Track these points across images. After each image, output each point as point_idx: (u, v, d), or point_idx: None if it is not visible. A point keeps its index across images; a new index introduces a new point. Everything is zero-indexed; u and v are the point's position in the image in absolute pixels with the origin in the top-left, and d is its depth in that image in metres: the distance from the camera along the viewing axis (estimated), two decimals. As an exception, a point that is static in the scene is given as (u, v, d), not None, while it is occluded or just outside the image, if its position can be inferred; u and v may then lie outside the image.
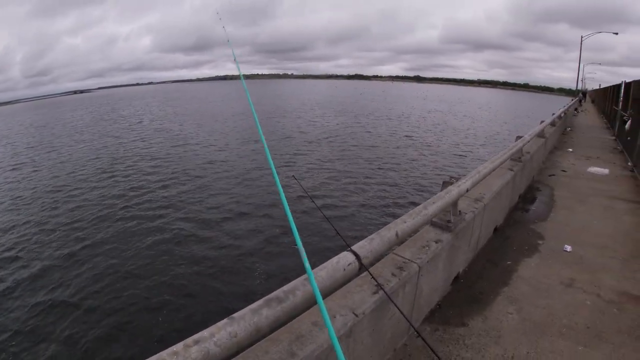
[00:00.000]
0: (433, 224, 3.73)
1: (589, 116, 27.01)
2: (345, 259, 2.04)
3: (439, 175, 15.61)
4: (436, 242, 3.40)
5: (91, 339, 6.37)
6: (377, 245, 2.36)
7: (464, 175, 4.16)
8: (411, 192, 13.55)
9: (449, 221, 3.70)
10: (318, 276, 1.85)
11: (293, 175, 13.18)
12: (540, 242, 4.96)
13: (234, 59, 2.10)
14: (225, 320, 1.43)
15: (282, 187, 2.09)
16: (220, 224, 10.84)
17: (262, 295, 1.64)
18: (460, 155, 20.67)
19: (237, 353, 1.57)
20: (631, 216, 6.08)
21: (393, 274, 2.77)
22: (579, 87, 44.74)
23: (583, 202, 6.78)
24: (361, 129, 30.24)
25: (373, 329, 2.40)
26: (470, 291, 3.77)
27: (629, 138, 10.78)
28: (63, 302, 7.49)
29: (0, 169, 20.92)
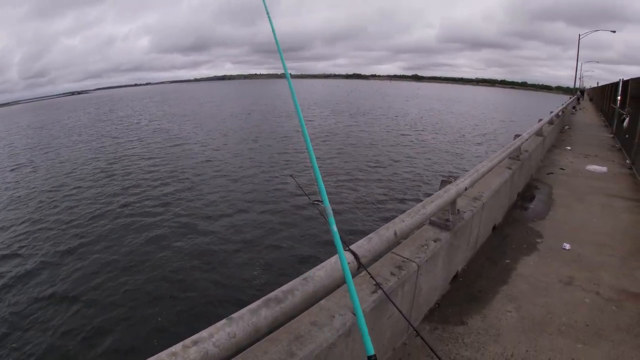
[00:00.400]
0: (432, 222, 3.73)
1: (587, 114, 27.06)
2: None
3: (437, 174, 15.59)
4: (435, 241, 3.40)
5: (89, 335, 6.37)
6: (375, 244, 2.36)
7: (463, 174, 4.17)
8: (409, 191, 13.54)
9: (447, 220, 3.70)
10: (316, 275, 1.85)
11: (291, 175, 13.15)
12: (539, 240, 4.97)
13: (280, 57, 2.09)
14: (223, 321, 1.43)
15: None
16: (219, 222, 10.84)
17: (261, 294, 1.64)
18: (458, 154, 20.66)
19: (236, 353, 1.57)
20: (630, 214, 6.09)
21: (392, 273, 2.77)
22: (577, 86, 44.81)
23: (581, 200, 6.79)
24: (358, 128, 30.21)
25: (372, 328, 2.38)
26: (469, 290, 3.77)
27: (627, 136, 10.80)
28: (62, 297, 7.52)
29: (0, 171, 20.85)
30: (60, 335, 6.48)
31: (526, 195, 7.13)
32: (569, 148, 11.87)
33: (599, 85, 42.52)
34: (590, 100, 47.64)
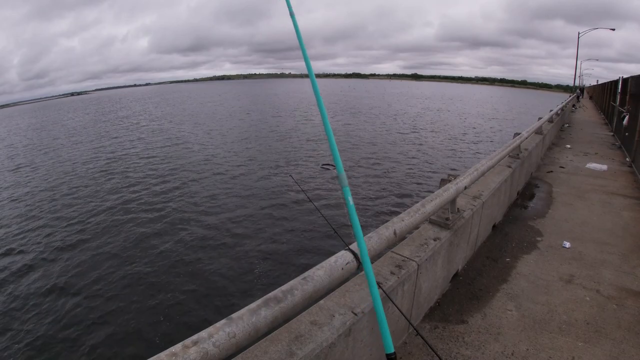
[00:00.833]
0: (431, 221, 3.72)
1: (587, 112, 27.05)
2: (343, 257, 2.02)
3: (437, 172, 15.61)
4: (435, 240, 3.39)
5: (91, 337, 6.40)
6: (375, 243, 2.34)
7: (462, 173, 4.16)
8: (409, 189, 13.54)
9: (447, 219, 3.70)
10: (316, 275, 1.85)
11: (290, 175, 13.14)
12: (539, 238, 4.97)
13: (303, 53, 2.02)
14: (223, 321, 1.43)
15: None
16: (218, 220, 10.90)
17: (261, 292, 1.64)
18: (458, 152, 20.68)
19: (236, 353, 1.56)
20: (630, 211, 6.09)
21: (392, 272, 2.76)
22: (577, 84, 44.79)
23: (582, 198, 6.79)
24: (357, 127, 30.25)
25: (372, 328, 2.38)
26: (469, 288, 3.77)
27: (627, 134, 10.79)
28: (61, 291, 7.69)
29: (1, 172, 20.95)
30: (59, 328, 6.61)
31: (526, 194, 7.13)
32: (568, 146, 11.86)
33: (599, 83, 42.54)
34: (590, 98, 47.65)
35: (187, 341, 1.29)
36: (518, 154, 6.97)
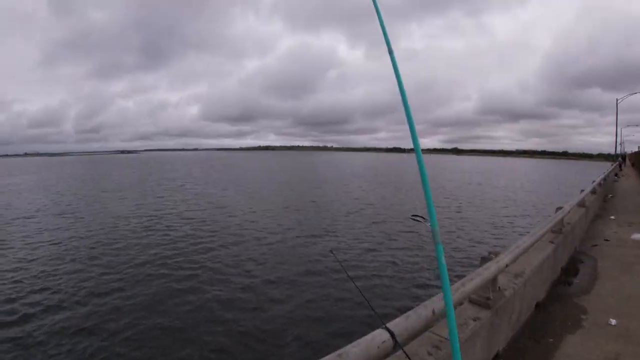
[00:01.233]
0: (472, 300, 3.72)
1: (630, 180, 26.34)
2: (380, 336, 2.08)
3: (477, 248, 15.29)
4: (474, 320, 3.40)
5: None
6: (412, 322, 2.40)
7: (503, 250, 4.19)
8: (448, 266, 13.23)
9: (488, 298, 3.69)
10: (351, 352, 1.90)
11: (330, 250, 13.13)
12: (583, 316, 4.87)
13: (403, 97, 1.99)
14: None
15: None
16: (254, 286, 10.92)
17: None
18: (498, 228, 20.25)
19: None
20: (680, 284, 5.91)
21: (429, 353, 2.79)
22: (618, 151, 43.98)
23: (628, 271, 6.62)
24: (396, 200, 30.24)
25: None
26: (512, 370, 3.74)
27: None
28: (87, 344, 7.75)
29: (46, 215, 22.46)
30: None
31: (570, 269, 6.99)
32: (612, 217, 11.61)
33: (641, 149, 41.59)
34: (633, 165, 46.35)
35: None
36: (561, 229, 6.93)
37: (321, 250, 14.44)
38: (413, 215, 1.89)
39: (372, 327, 2.23)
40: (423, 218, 1.78)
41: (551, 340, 4.30)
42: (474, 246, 15.91)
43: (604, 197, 15.98)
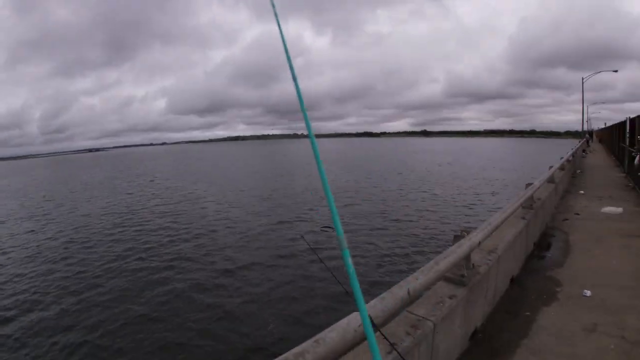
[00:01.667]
0: (446, 279, 3.71)
1: (598, 156, 27.07)
2: (356, 319, 2.02)
3: (449, 227, 15.42)
4: (450, 298, 3.39)
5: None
6: (389, 304, 2.36)
7: (475, 228, 4.20)
8: (422, 246, 13.29)
9: (462, 275, 3.70)
10: (328, 338, 1.85)
11: (302, 236, 13.09)
12: (558, 289, 4.91)
13: (303, 111, 2.05)
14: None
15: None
16: (229, 276, 10.76)
17: (269, 349, 1.66)
18: (470, 206, 20.46)
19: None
20: (650, 253, 6.01)
21: (407, 333, 2.75)
22: (585, 128, 45.07)
23: (599, 243, 6.73)
24: (368, 184, 30.35)
25: (387, 392, 2.32)
26: (489, 345, 3.72)
27: (639, 174, 10.78)
28: (76, 343, 7.63)
29: (16, 219, 21.67)
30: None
31: (542, 244, 7.08)
32: (582, 192, 11.82)
33: (607, 125, 42.76)
34: (600, 141, 47.72)
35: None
36: (531, 205, 6.99)
37: (293, 236, 14.40)
38: (323, 227, 1.79)
39: (348, 310, 2.14)
40: (330, 228, 1.70)
41: (528, 313, 4.31)
42: (446, 225, 16.06)
43: (573, 172, 16.31)
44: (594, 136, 57.30)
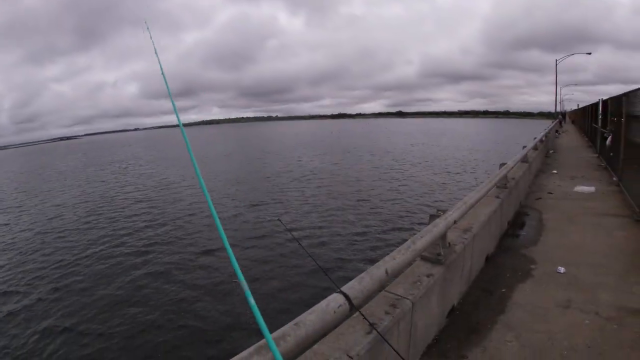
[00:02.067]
0: (423, 258, 3.73)
1: (571, 136, 27.58)
2: (335, 301, 2.03)
3: (426, 207, 15.58)
4: (428, 277, 3.40)
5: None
6: (367, 284, 2.35)
7: (451, 207, 4.21)
8: (399, 226, 13.40)
9: (439, 254, 3.71)
10: (308, 320, 1.84)
11: (278, 219, 13.08)
12: (533, 266, 4.96)
13: (172, 102, 2.08)
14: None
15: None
16: (204, 261, 10.83)
17: (251, 337, 1.62)
18: (445, 186, 20.70)
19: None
20: (621, 231, 6.14)
21: (386, 312, 2.75)
22: (558, 110, 45.82)
23: (572, 222, 6.84)
24: (344, 165, 30.44)
25: (369, 370, 2.33)
26: (467, 322, 3.74)
27: (611, 154, 10.99)
28: (51, 330, 7.61)
29: None
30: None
31: (517, 223, 7.16)
32: (555, 172, 12.02)
33: (580, 107, 43.56)
34: (572, 122, 48.66)
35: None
36: (505, 184, 7.05)
37: (270, 219, 14.44)
38: (233, 281, 1.72)
39: (324, 286, 2.10)
40: (236, 281, 1.64)
41: (503, 290, 4.35)
42: (422, 205, 16.22)
43: (546, 152, 16.58)
44: (567, 117, 58.39)
